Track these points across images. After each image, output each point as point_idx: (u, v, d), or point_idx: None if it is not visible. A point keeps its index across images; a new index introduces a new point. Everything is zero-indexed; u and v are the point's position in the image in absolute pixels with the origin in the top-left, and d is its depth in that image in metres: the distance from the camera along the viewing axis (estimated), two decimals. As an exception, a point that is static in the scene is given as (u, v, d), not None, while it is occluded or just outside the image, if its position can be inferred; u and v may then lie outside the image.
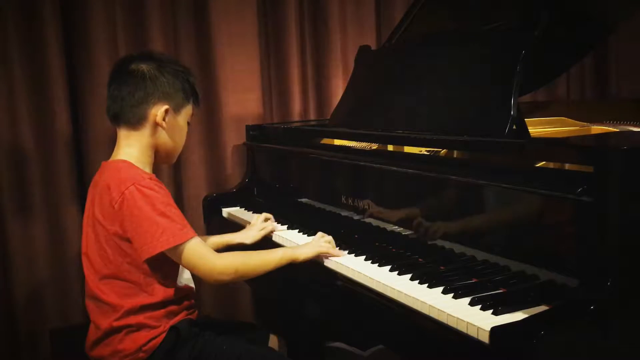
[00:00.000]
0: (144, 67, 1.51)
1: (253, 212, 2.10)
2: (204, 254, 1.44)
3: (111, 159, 1.54)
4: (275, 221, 1.92)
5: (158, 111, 1.49)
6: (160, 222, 1.40)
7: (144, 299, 1.45)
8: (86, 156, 2.26)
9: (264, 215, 1.90)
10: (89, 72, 2.22)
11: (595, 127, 1.86)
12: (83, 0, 2.19)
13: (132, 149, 1.51)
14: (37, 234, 2.21)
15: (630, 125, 1.96)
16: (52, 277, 2.24)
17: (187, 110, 1.58)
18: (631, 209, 1.07)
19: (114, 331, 1.44)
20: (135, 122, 1.50)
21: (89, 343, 1.51)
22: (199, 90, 1.61)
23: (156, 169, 1.60)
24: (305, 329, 2.35)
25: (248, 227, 1.88)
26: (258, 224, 1.86)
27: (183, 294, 1.54)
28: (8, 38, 2.11)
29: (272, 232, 1.84)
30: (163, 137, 1.53)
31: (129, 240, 1.42)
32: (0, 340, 2.20)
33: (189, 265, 1.44)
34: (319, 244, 1.56)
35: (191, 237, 1.43)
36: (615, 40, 3.10)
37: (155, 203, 1.41)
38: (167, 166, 2.37)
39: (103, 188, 1.45)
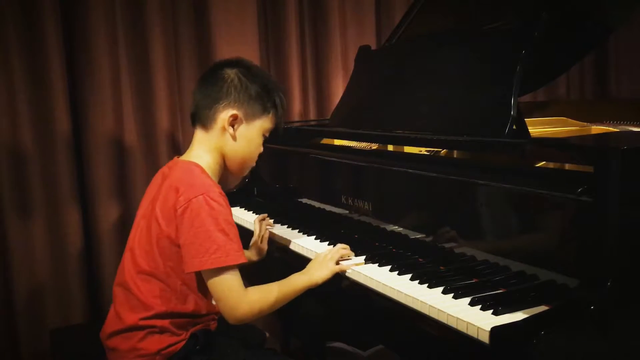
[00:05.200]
0: (228, 71, 1.49)
1: (253, 212, 2.10)
2: (237, 288, 1.38)
3: (184, 157, 1.51)
4: (276, 221, 1.92)
5: (226, 115, 1.47)
6: (217, 238, 1.35)
7: (175, 306, 1.42)
8: (86, 156, 2.26)
9: (259, 217, 1.88)
10: (89, 72, 2.22)
11: (595, 127, 1.86)
12: (83, 0, 2.19)
13: (204, 152, 1.49)
14: (37, 234, 2.21)
15: (630, 125, 1.96)
16: (52, 277, 2.24)
17: (263, 123, 1.52)
18: (631, 208, 1.07)
19: (137, 328, 1.41)
20: (206, 123, 1.48)
21: (106, 331, 1.47)
22: (283, 107, 1.55)
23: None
24: (305, 329, 2.35)
25: (252, 240, 1.85)
26: (256, 233, 1.83)
27: (212, 309, 1.50)
28: (8, 38, 2.11)
29: (270, 226, 1.85)
30: (230, 143, 1.49)
31: (179, 246, 1.39)
32: (0, 340, 2.20)
33: (217, 292, 1.37)
34: (331, 265, 1.49)
35: (240, 262, 1.38)
36: (615, 40, 3.10)
37: (219, 218, 1.36)
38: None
39: (171, 187, 1.41)
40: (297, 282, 1.48)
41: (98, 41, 2.21)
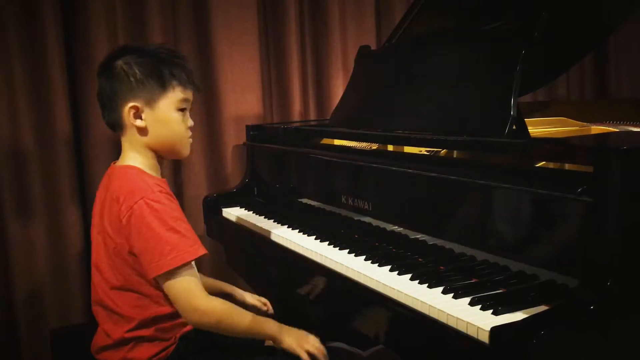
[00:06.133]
0: (115, 64, 1.40)
1: (253, 213, 2.10)
2: (197, 286, 1.35)
3: (119, 162, 1.46)
4: (276, 221, 1.92)
5: (126, 110, 1.39)
6: (169, 238, 1.32)
7: (156, 311, 1.40)
8: (86, 156, 2.26)
9: (261, 299, 1.78)
10: (90, 71, 2.21)
11: (595, 127, 1.86)
12: (83, 0, 2.19)
13: (134, 153, 1.43)
14: (37, 234, 2.21)
15: (630, 125, 1.96)
16: (52, 277, 2.24)
17: (171, 98, 1.40)
18: (631, 209, 1.07)
19: (125, 341, 1.40)
20: (118, 126, 1.42)
21: (96, 347, 1.47)
22: (179, 71, 1.42)
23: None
24: (305, 328, 2.35)
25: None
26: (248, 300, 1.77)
27: None
28: (8, 38, 2.11)
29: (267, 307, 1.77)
30: (147, 135, 1.41)
31: (135, 255, 1.36)
32: (0, 340, 2.20)
33: (175, 291, 1.34)
34: (300, 347, 1.43)
35: (200, 255, 1.36)
36: (615, 40, 3.10)
37: (164, 217, 1.33)
38: (167, 167, 2.37)
39: (113, 199, 1.37)
40: (267, 325, 1.44)
41: (98, 41, 2.21)
